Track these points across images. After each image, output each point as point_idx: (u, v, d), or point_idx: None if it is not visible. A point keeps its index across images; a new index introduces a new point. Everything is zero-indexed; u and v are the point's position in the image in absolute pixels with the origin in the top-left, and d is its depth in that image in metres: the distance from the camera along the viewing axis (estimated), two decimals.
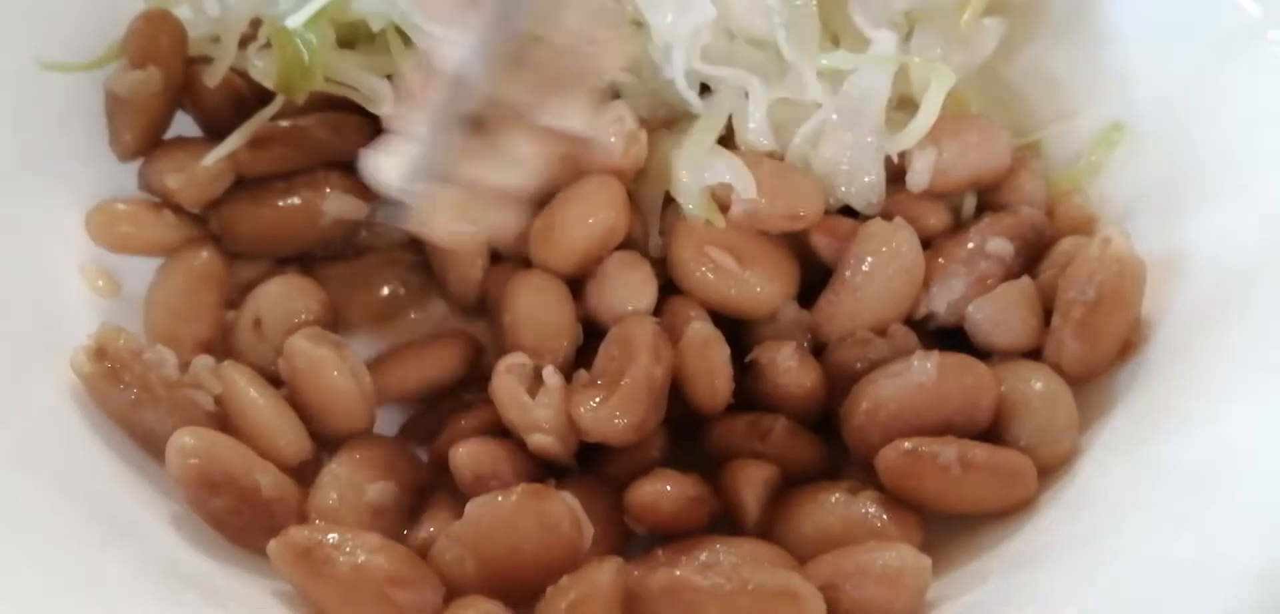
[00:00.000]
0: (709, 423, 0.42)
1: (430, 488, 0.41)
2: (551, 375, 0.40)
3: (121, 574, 0.32)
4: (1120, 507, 0.36)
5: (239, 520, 0.37)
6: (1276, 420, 0.34)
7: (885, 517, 0.38)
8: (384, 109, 0.45)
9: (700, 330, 0.42)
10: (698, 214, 0.45)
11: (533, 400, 0.40)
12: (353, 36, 0.47)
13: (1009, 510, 0.39)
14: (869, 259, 0.44)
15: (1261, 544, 0.29)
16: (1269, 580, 0.28)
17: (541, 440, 0.39)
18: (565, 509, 0.35)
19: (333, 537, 0.34)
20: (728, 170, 0.45)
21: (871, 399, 0.41)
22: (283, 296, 0.43)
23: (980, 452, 0.38)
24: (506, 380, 0.40)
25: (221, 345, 0.43)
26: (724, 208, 0.45)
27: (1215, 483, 0.33)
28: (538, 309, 0.44)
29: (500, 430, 0.41)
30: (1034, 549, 0.36)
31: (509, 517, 0.35)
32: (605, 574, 0.35)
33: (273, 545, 0.35)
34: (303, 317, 0.43)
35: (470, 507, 0.35)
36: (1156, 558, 0.32)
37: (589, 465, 0.42)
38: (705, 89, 0.47)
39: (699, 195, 0.45)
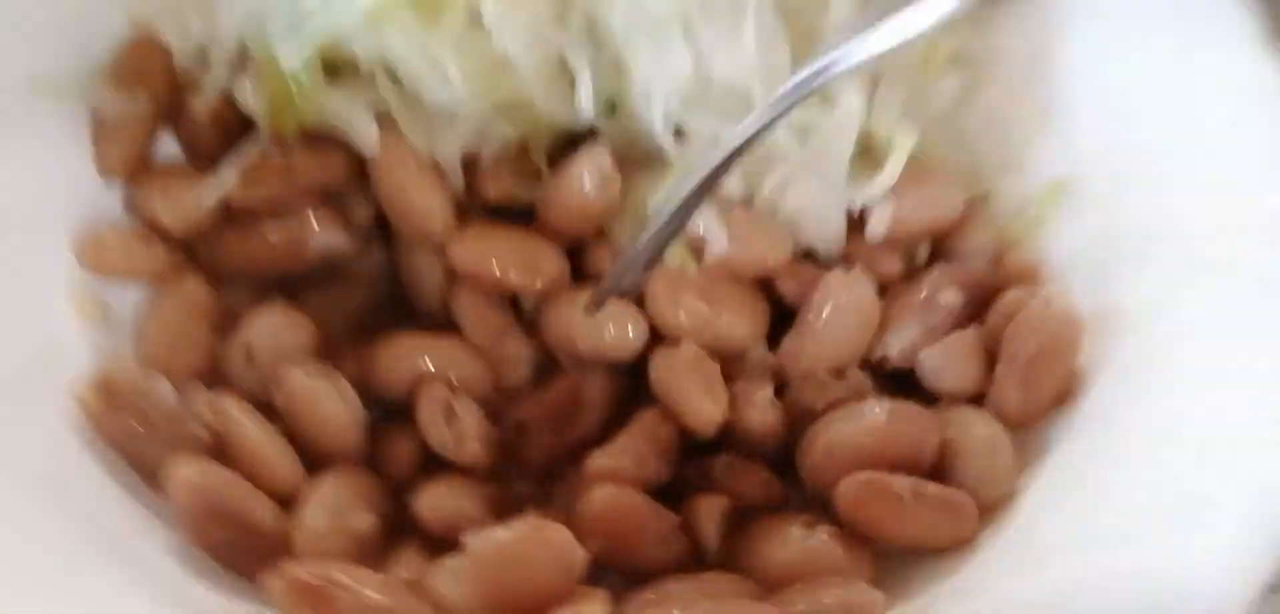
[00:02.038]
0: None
1: (398, 523, 0.45)
2: (464, 405, 0.46)
3: (120, 598, 0.34)
4: (1055, 546, 0.40)
5: (238, 551, 0.40)
6: (1191, 471, 0.38)
7: (840, 551, 0.42)
8: (369, 146, 0.48)
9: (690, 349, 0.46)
10: (673, 260, 0.48)
11: (450, 429, 0.45)
12: (338, 69, 0.49)
13: (953, 545, 0.43)
14: (830, 306, 0.48)
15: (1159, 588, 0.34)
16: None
17: (474, 449, 0.45)
18: (563, 539, 0.39)
19: (335, 574, 0.37)
20: (701, 221, 0.48)
21: (827, 438, 0.45)
22: (273, 329, 0.46)
23: (931, 487, 0.42)
24: (428, 411, 0.45)
25: (212, 373, 0.46)
26: (696, 251, 0.49)
27: (1140, 524, 0.38)
28: (491, 335, 0.48)
29: None
30: (975, 583, 0.40)
31: (516, 549, 0.38)
32: (596, 609, 0.38)
33: (273, 582, 0.37)
34: (292, 347, 0.45)
35: (472, 543, 0.38)
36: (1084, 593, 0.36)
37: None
38: (679, 133, 0.50)
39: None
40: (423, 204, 0.49)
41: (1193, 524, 0.37)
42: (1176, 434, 0.41)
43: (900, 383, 0.48)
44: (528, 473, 0.48)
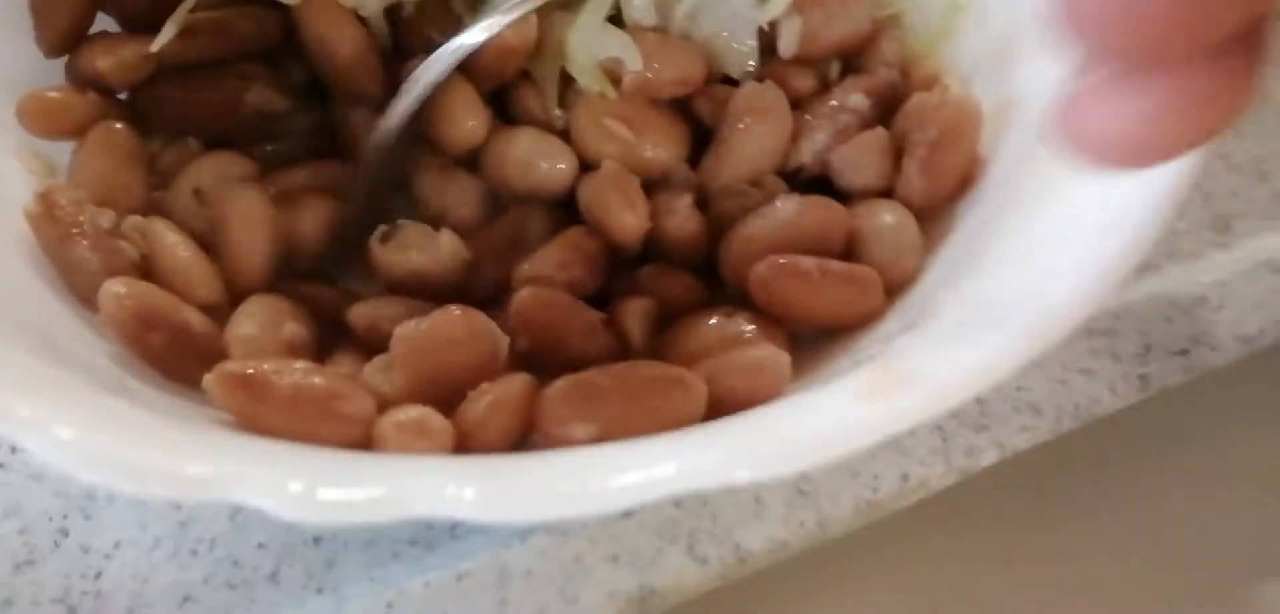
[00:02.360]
0: None
1: (326, 342, 0.47)
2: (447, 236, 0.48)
3: (76, 385, 0.36)
4: (946, 303, 0.43)
5: (174, 354, 0.42)
6: (1060, 224, 0.41)
7: (755, 329, 0.45)
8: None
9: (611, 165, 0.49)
10: (592, 87, 0.51)
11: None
12: None
13: (860, 319, 0.45)
14: (744, 118, 0.50)
15: (1029, 304, 0.36)
16: (1031, 328, 0.34)
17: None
18: (484, 323, 0.41)
19: (267, 365, 0.40)
20: (617, 45, 0.51)
21: (743, 236, 0.47)
22: (221, 166, 0.49)
23: (836, 264, 0.45)
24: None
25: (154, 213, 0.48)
26: (616, 81, 0.51)
27: (1009, 270, 0.40)
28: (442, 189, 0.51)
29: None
30: (874, 341, 0.43)
31: (438, 333, 0.41)
32: (518, 382, 0.41)
33: (209, 378, 0.39)
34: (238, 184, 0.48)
35: (399, 330, 0.41)
36: (948, 325, 0.39)
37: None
38: None
39: (592, 70, 0.51)
40: (347, 56, 0.51)
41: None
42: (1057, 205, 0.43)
43: (816, 189, 0.51)
44: (475, 306, 0.50)
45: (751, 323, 0.45)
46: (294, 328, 0.45)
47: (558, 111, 0.52)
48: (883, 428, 0.30)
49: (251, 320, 0.44)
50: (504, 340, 0.42)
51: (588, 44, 0.51)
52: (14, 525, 0.48)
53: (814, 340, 0.46)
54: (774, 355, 0.42)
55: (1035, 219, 0.42)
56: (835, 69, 0.54)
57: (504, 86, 0.53)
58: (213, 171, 0.49)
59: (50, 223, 0.43)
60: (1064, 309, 0.34)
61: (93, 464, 0.30)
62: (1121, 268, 0.35)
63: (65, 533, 0.47)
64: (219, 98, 0.51)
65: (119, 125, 0.48)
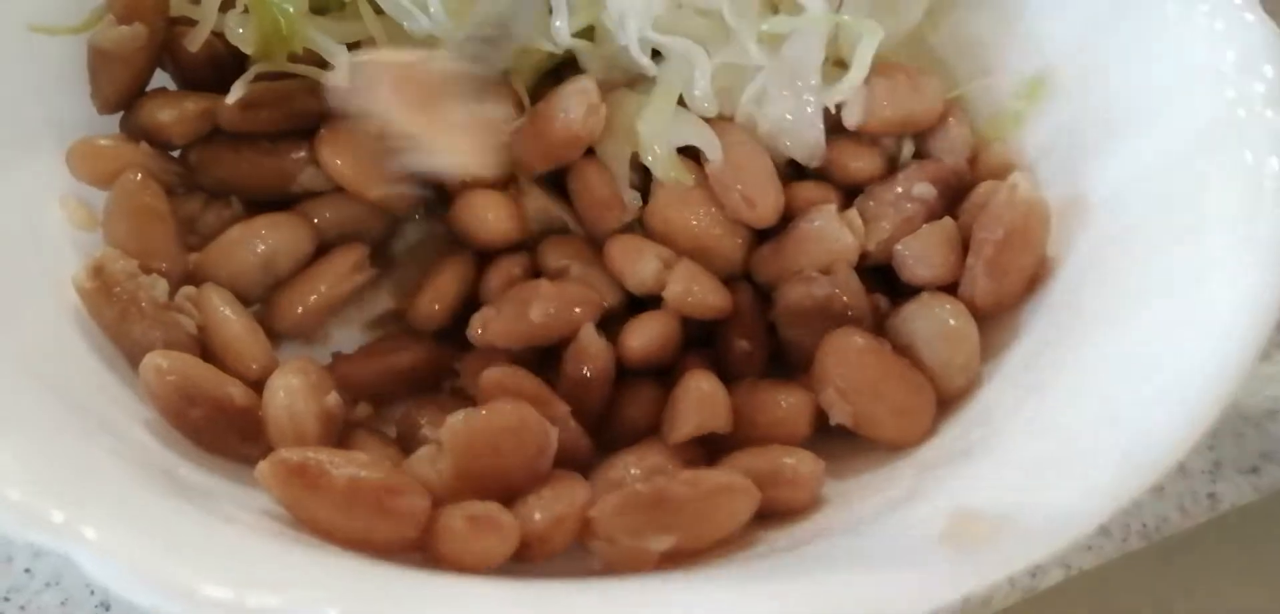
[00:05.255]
0: None
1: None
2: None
3: (120, 474, 0.36)
4: (1017, 428, 0.41)
5: (215, 428, 0.42)
6: (1144, 348, 0.39)
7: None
8: (337, 76, 0.49)
9: None
10: (669, 176, 0.49)
11: None
12: (324, 4, 0.50)
13: (904, 439, 0.44)
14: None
15: (1119, 439, 0.34)
16: (1125, 468, 0.33)
17: None
18: (536, 417, 0.41)
19: (321, 455, 0.39)
20: (693, 133, 0.50)
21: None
22: (290, 238, 0.49)
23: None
24: None
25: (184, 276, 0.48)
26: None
27: (1089, 395, 0.38)
28: None
29: None
30: (927, 459, 0.42)
31: (491, 424, 0.40)
32: (582, 492, 0.41)
33: (262, 467, 0.39)
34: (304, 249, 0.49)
35: (450, 419, 0.41)
36: (1027, 455, 0.37)
37: None
38: (657, 53, 0.51)
39: (668, 158, 0.49)
40: None
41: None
42: (1132, 316, 0.41)
43: (880, 278, 0.49)
44: None
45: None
46: (332, 395, 0.44)
47: (633, 195, 0.50)
48: (967, 584, 0.28)
49: (289, 387, 0.43)
50: (554, 433, 0.41)
51: (661, 131, 0.50)
52: (56, 597, 0.47)
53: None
54: (810, 464, 0.41)
55: (1113, 336, 0.41)
56: (907, 150, 0.52)
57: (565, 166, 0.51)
58: (282, 241, 0.49)
59: (106, 299, 0.43)
60: (1156, 449, 0.32)
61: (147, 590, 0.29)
62: (1219, 399, 0.33)
63: (106, 608, 0.47)
64: (272, 170, 0.51)
65: (138, 176, 0.48)
